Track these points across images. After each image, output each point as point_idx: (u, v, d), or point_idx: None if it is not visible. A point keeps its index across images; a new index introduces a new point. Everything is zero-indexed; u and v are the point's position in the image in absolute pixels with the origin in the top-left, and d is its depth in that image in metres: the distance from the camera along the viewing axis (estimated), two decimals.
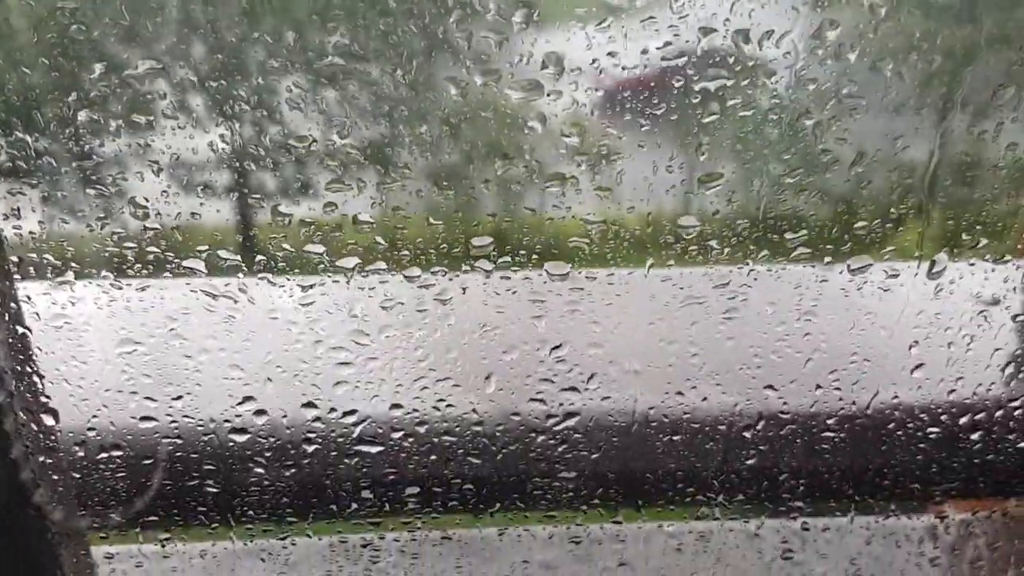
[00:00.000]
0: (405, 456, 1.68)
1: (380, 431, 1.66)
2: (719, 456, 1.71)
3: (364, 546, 1.83)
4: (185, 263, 1.51)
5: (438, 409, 1.66)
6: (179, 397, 1.62)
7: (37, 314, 1.54)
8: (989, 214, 1.55)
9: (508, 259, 1.54)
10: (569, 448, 1.69)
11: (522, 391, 1.66)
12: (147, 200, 1.45)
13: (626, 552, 1.86)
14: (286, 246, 1.50)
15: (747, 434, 1.69)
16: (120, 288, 1.53)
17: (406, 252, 1.52)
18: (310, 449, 1.66)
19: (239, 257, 1.51)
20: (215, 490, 1.69)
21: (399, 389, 1.64)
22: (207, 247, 1.50)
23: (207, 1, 1.34)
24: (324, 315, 1.58)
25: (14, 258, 1.49)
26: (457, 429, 1.67)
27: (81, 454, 1.64)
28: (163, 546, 1.77)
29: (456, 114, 1.42)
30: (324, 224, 1.48)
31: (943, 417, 1.70)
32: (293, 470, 1.68)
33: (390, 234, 1.50)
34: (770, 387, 1.66)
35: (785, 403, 1.68)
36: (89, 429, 1.62)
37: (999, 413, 1.70)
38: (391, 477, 1.70)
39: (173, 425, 1.63)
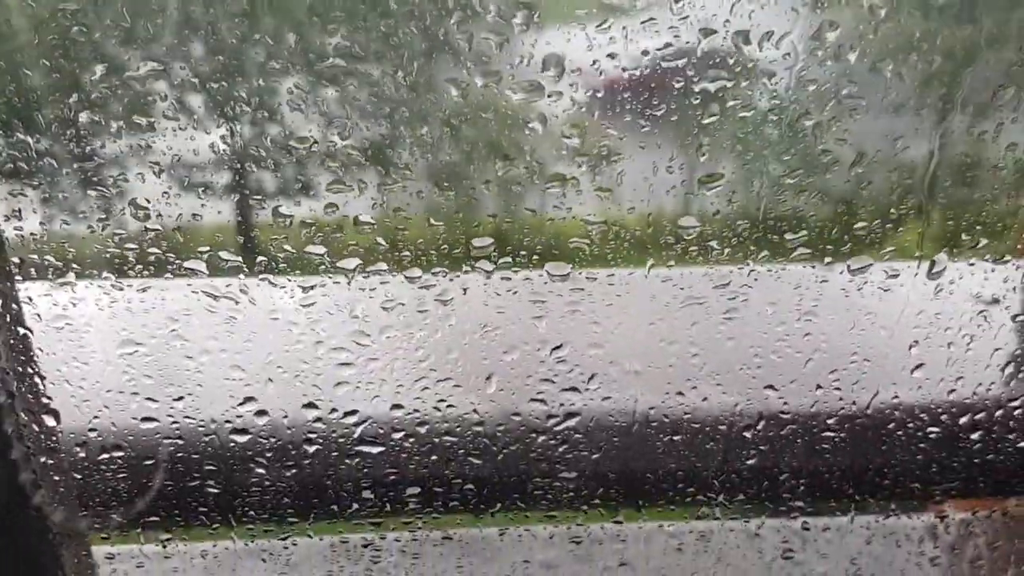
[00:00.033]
0: (406, 456, 1.68)
1: (381, 431, 1.66)
2: (719, 456, 1.71)
3: (365, 546, 1.83)
4: (186, 264, 1.51)
5: (439, 409, 1.66)
6: (180, 398, 1.62)
7: (38, 315, 1.54)
8: (989, 214, 1.56)
9: (509, 260, 1.54)
10: (570, 448, 1.69)
11: (523, 391, 1.66)
12: (148, 201, 1.45)
13: (627, 552, 1.86)
14: (287, 247, 1.50)
15: (747, 434, 1.70)
16: (121, 289, 1.53)
17: (407, 253, 1.52)
18: (311, 449, 1.66)
19: (240, 258, 1.51)
20: (216, 490, 1.69)
21: (400, 390, 1.64)
22: (208, 248, 1.50)
23: (208, 3, 1.34)
24: (325, 316, 1.58)
25: (15, 259, 1.49)
26: (458, 429, 1.67)
27: (82, 455, 1.64)
28: (164, 546, 1.78)
29: (457, 115, 1.42)
30: (325, 225, 1.49)
31: (943, 417, 1.70)
32: (294, 470, 1.68)
33: (391, 235, 1.50)
34: (770, 387, 1.67)
35: (785, 403, 1.68)
36: (90, 430, 1.63)
37: (999, 413, 1.70)
38: (392, 477, 1.70)
39: (174, 426, 1.63)
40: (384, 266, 1.53)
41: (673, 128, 1.43)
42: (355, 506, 1.72)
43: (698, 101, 1.40)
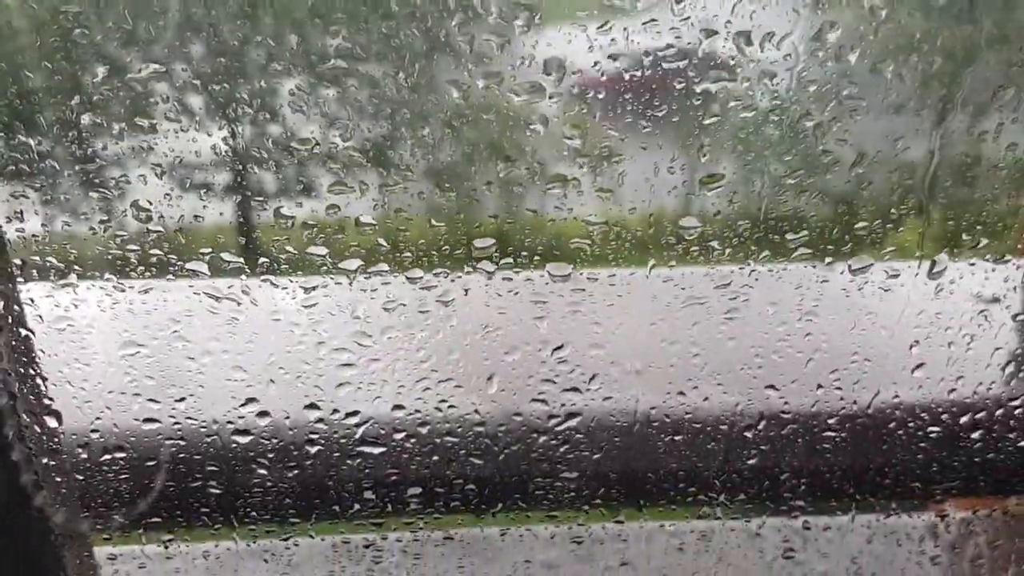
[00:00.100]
0: (407, 457, 1.68)
1: (382, 432, 1.66)
2: (721, 456, 1.72)
3: (367, 546, 1.83)
4: (188, 265, 1.51)
5: (440, 410, 1.66)
6: (182, 399, 1.62)
7: (40, 316, 1.54)
8: (989, 214, 1.56)
9: (510, 260, 1.54)
10: (571, 448, 1.69)
11: (524, 392, 1.66)
12: (150, 202, 1.46)
13: (628, 552, 1.87)
14: (289, 248, 1.51)
15: (748, 434, 1.70)
16: (123, 290, 1.53)
17: (408, 254, 1.52)
18: (313, 450, 1.66)
19: (242, 259, 1.52)
20: (218, 491, 1.69)
21: (401, 390, 1.64)
22: (210, 249, 1.50)
23: (209, 4, 1.34)
24: (327, 317, 1.58)
25: (17, 260, 1.50)
26: (459, 430, 1.67)
27: (84, 456, 1.64)
28: (166, 547, 1.78)
29: (458, 116, 1.42)
30: (327, 226, 1.49)
31: (944, 416, 1.71)
32: (296, 471, 1.68)
33: (392, 236, 1.51)
34: (771, 387, 1.67)
35: (786, 403, 1.68)
36: (92, 431, 1.63)
37: (999, 412, 1.70)
38: (393, 478, 1.70)
39: (176, 427, 1.63)
40: (386, 267, 1.53)
41: (674, 129, 1.44)
42: (357, 506, 1.73)
43: (699, 102, 1.40)
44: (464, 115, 1.42)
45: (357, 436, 1.66)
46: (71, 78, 1.36)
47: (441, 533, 1.81)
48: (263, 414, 1.63)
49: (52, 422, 1.61)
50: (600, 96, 1.40)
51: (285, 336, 1.60)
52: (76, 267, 1.50)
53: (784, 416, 1.69)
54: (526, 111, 1.40)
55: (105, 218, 1.47)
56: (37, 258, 1.49)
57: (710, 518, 1.80)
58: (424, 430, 1.66)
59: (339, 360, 1.61)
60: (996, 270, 1.59)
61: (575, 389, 1.66)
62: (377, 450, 1.67)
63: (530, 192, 1.49)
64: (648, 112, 1.41)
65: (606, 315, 1.62)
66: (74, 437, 1.63)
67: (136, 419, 1.63)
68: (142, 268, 1.51)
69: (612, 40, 1.34)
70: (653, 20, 1.34)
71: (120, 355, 1.59)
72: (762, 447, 1.71)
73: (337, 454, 1.67)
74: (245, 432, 1.64)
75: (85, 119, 1.38)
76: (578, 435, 1.68)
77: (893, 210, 1.55)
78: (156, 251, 1.50)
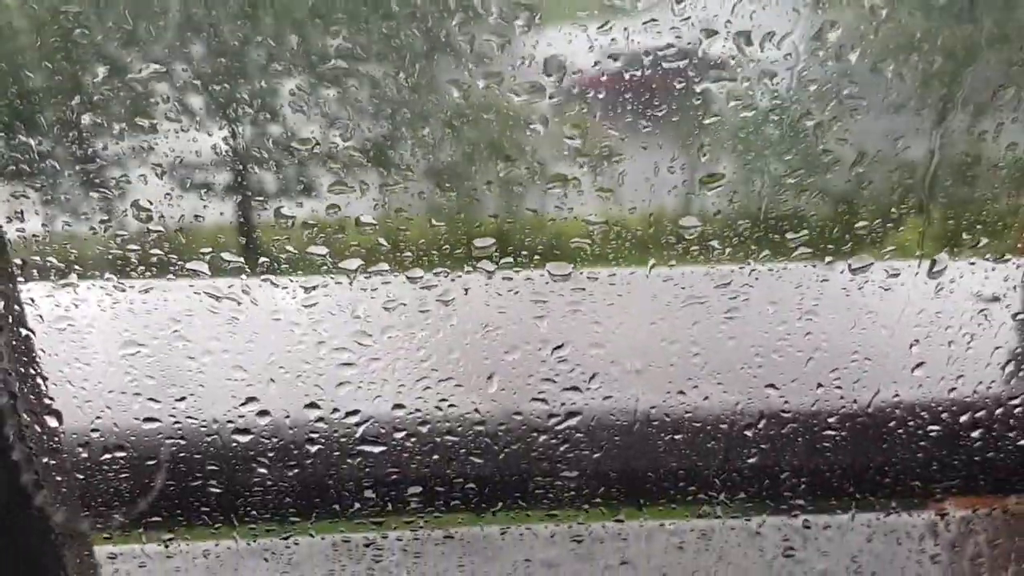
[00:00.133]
0: (408, 456, 1.68)
1: (383, 431, 1.66)
2: (721, 455, 1.72)
3: (367, 545, 1.83)
4: (188, 265, 1.51)
5: (440, 409, 1.66)
6: (182, 398, 1.62)
7: (40, 316, 1.54)
8: (989, 213, 1.56)
9: (510, 260, 1.54)
10: (571, 447, 1.69)
11: (524, 391, 1.66)
12: (150, 202, 1.46)
13: (628, 550, 1.87)
14: (289, 248, 1.51)
15: (748, 433, 1.70)
16: (123, 290, 1.53)
17: (408, 253, 1.52)
18: (313, 449, 1.66)
19: (242, 259, 1.52)
20: (218, 490, 1.69)
21: (401, 389, 1.64)
22: (210, 249, 1.50)
23: (210, 4, 1.34)
24: (327, 316, 1.58)
25: (17, 260, 1.50)
26: (459, 429, 1.67)
27: (84, 455, 1.64)
28: (166, 546, 1.78)
29: (458, 116, 1.42)
30: (327, 226, 1.49)
31: (944, 415, 1.71)
32: (296, 470, 1.68)
33: (393, 235, 1.51)
34: (771, 386, 1.67)
35: (786, 402, 1.68)
36: (92, 430, 1.63)
37: (999, 411, 1.70)
38: (394, 477, 1.70)
39: (176, 426, 1.64)
40: (386, 266, 1.53)
41: (674, 128, 1.44)
42: (357, 505, 1.73)
43: (699, 101, 1.41)
44: (464, 115, 1.42)
45: (357, 435, 1.66)
46: (71, 78, 1.36)
47: (441, 532, 1.81)
48: (263, 413, 1.63)
49: (52, 421, 1.61)
50: (600, 96, 1.40)
51: (285, 335, 1.60)
52: (76, 267, 1.50)
53: (784, 415, 1.69)
54: (526, 111, 1.40)
55: (105, 218, 1.47)
56: (37, 258, 1.49)
57: (710, 517, 1.80)
58: (424, 429, 1.66)
59: (339, 359, 1.61)
60: (996, 269, 1.59)
61: (575, 388, 1.66)
62: (377, 449, 1.67)
63: (530, 192, 1.49)
64: (648, 112, 1.41)
65: (606, 314, 1.62)
66: (74, 436, 1.63)
67: (136, 418, 1.63)
68: (142, 268, 1.51)
69: (612, 40, 1.34)
70: (653, 20, 1.34)
71: (120, 354, 1.59)
72: (762, 446, 1.71)
73: (337, 453, 1.67)
74: (245, 431, 1.64)
75: (85, 119, 1.38)
76: (578, 434, 1.69)
77: (893, 209, 1.55)
78: (156, 251, 1.50)
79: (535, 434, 1.68)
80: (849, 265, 1.57)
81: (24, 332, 1.54)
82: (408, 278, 1.54)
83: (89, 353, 1.59)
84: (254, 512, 1.72)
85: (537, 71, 1.36)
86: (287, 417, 1.64)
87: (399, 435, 1.67)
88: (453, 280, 1.55)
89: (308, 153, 1.45)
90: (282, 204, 1.48)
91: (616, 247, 1.54)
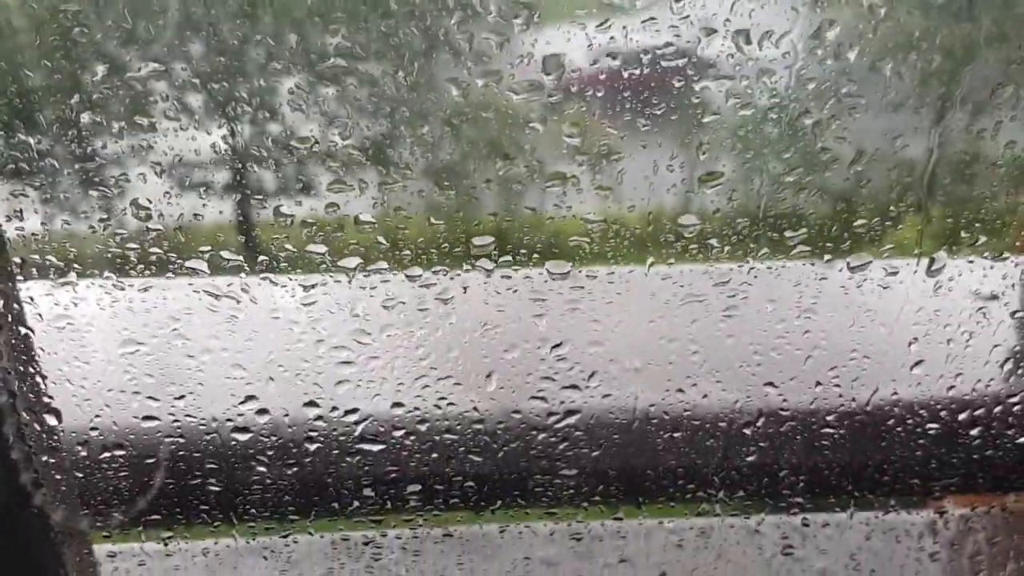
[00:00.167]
0: (407, 454, 1.68)
1: (382, 429, 1.66)
2: (719, 453, 1.72)
3: (366, 543, 1.83)
4: (187, 263, 1.51)
5: (439, 407, 1.66)
6: (181, 396, 1.62)
7: (40, 315, 1.54)
8: (988, 212, 1.56)
9: (509, 258, 1.54)
10: (570, 445, 1.70)
11: (523, 389, 1.66)
12: (149, 201, 1.46)
13: (627, 548, 1.87)
14: (288, 246, 1.51)
15: (747, 431, 1.70)
16: (123, 288, 1.53)
17: (407, 252, 1.52)
18: (312, 447, 1.66)
19: (241, 257, 1.52)
20: (217, 489, 1.69)
21: (400, 388, 1.64)
22: (209, 247, 1.50)
23: (209, 3, 1.34)
24: (326, 314, 1.58)
25: (17, 259, 1.50)
26: (458, 427, 1.67)
27: (84, 454, 1.65)
28: (166, 544, 1.78)
29: (457, 114, 1.42)
30: (326, 224, 1.49)
31: (942, 413, 1.71)
32: (295, 468, 1.68)
33: (391, 234, 1.51)
34: (770, 384, 1.67)
35: (785, 400, 1.68)
36: (92, 429, 1.63)
37: (998, 409, 1.70)
38: (393, 475, 1.70)
39: (175, 424, 1.64)
40: (385, 265, 1.53)
41: (673, 127, 1.44)
42: (356, 504, 1.73)
43: (698, 100, 1.41)
44: (463, 113, 1.42)
45: (356, 434, 1.66)
46: (71, 77, 1.36)
47: (440, 530, 1.81)
48: (262, 412, 1.63)
49: (52, 420, 1.61)
50: (599, 94, 1.40)
51: (284, 334, 1.60)
52: (76, 265, 1.50)
53: (783, 413, 1.69)
54: (525, 109, 1.40)
55: (105, 216, 1.47)
56: (37, 256, 1.50)
57: (709, 515, 1.80)
58: (423, 427, 1.66)
59: (338, 358, 1.62)
60: (995, 267, 1.59)
61: (574, 386, 1.66)
62: (376, 447, 1.67)
63: (529, 190, 1.49)
64: (647, 110, 1.41)
65: (605, 313, 1.62)
66: (74, 435, 1.63)
67: (135, 417, 1.63)
68: (142, 266, 1.51)
69: (611, 38, 1.34)
70: (652, 18, 1.34)
71: (120, 353, 1.59)
72: (761, 444, 1.71)
73: (336, 451, 1.67)
74: (244, 430, 1.65)
75: (85, 118, 1.38)
76: (577, 432, 1.69)
77: (892, 208, 1.55)
78: (156, 249, 1.50)
79: (534, 432, 1.68)
80: (848, 263, 1.57)
81: (23, 331, 1.54)
82: (407, 276, 1.54)
83: (88, 351, 1.59)
84: (253, 510, 1.72)
85: (536, 69, 1.36)
86: (286, 415, 1.65)
87: (398, 433, 1.67)
88: (452, 278, 1.56)
89: (307, 152, 1.45)
90: (281, 203, 1.48)
91: (615, 245, 1.54)
